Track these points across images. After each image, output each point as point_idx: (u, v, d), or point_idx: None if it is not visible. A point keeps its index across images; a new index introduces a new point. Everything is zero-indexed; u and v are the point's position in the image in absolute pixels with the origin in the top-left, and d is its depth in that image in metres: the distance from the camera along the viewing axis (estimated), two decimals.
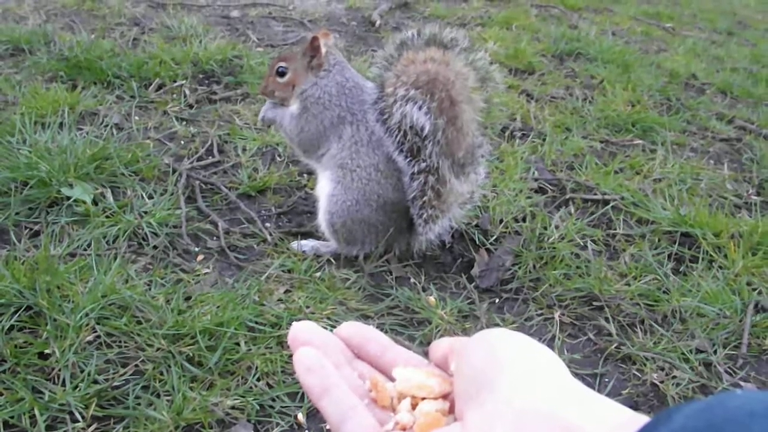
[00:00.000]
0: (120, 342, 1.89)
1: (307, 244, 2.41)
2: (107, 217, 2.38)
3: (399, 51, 2.26)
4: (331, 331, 0.93)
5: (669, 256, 2.62)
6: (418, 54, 2.24)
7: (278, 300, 2.13)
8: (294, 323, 0.89)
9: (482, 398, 0.78)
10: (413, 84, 2.20)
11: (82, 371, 1.77)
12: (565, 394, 0.77)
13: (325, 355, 0.86)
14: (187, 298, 2.07)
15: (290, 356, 1.91)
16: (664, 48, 5.41)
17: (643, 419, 0.70)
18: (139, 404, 1.72)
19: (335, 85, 2.33)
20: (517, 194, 2.83)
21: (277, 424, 1.75)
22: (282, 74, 2.37)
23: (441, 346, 0.92)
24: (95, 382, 1.75)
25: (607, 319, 2.28)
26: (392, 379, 0.88)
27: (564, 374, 0.81)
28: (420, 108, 2.20)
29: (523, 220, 2.70)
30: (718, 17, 6.86)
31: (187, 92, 3.40)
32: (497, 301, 2.33)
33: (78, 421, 1.66)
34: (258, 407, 1.77)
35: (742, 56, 5.51)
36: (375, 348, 0.93)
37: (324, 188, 2.37)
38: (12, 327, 1.86)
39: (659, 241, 2.71)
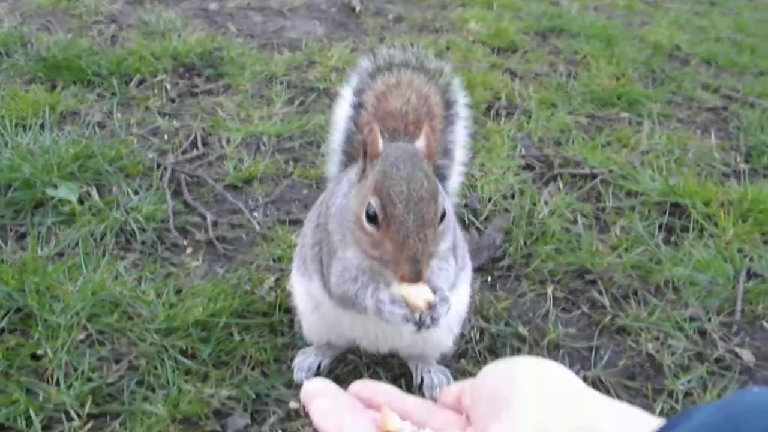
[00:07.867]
0: (112, 339, 1.88)
1: None
2: (93, 215, 2.36)
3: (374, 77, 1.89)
4: None
5: (659, 227, 2.62)
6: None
7: (269, 288, 2.12)
8: (305, 382, 1.00)
9: (502, 415, 0.82)
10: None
11: (75, 370, 1.76)
12: (580, 401, 0.81)
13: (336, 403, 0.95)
14: (178, 292, 2.06)
15: (284, 344, 1.93)
16: (646, 21, 5.39)
17: (658, 420, 0.73)
18: (134, 400, 1.71)
19: None
20: (504, 172, 2.82)
21: (274, 412, 1.75)
22: None
23: (451, 390, 1.01)
24: (89, 380, 1.75)
25: (600, 292, 2.28)
26: None
27: (576, 382, 0.86)
28: None
29: (512, 197, 2.69)
30: None
31: (169, 87, 3.36)
32: (489, 279, 2.33)
33: (74, 420, 1.65)
34: (254, 396, 1.76)
35: (725, 26, 5.49)
36: (384, 398, 1.01)
37: None
38: (3, 330, 1.86)
39: (649, 212, 2.71)
